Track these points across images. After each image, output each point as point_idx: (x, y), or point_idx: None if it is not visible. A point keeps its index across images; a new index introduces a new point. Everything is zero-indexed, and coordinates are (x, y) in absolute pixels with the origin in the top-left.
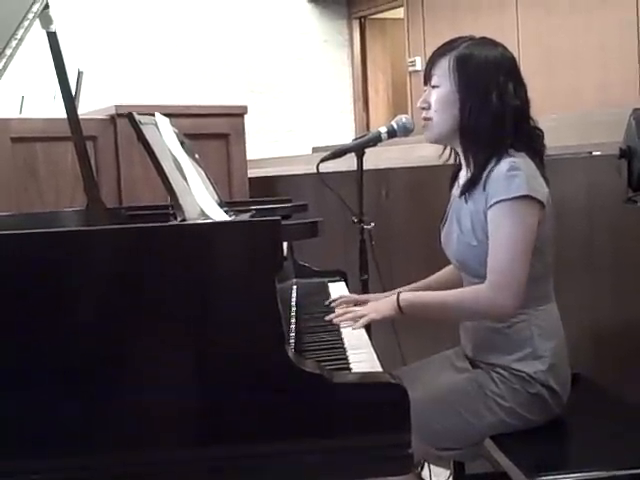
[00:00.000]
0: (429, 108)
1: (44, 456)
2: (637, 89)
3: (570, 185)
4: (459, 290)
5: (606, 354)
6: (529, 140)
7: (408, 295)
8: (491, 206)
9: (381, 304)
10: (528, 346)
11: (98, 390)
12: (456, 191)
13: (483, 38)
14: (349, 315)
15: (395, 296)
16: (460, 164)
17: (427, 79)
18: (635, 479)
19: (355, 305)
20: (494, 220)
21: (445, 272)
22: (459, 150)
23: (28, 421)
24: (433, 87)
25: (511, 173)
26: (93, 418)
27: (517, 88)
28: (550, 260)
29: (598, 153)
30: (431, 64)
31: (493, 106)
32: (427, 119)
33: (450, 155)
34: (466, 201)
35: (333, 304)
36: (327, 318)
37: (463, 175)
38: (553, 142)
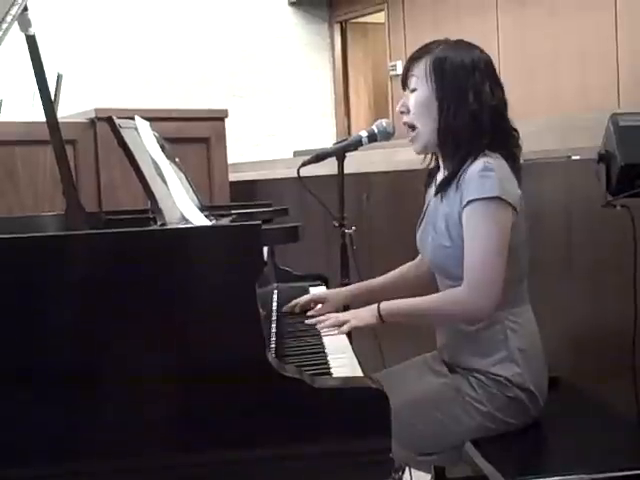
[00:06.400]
0: (408, 112)
1: (27, 463)
2: (616, 93)
3: (549, 189)
4: (437, 294)
5: (585, 357)
6: (506, 140)
7: (388, 304)
8: (465, 206)
9: (362, 312)
10: (503, 349)
11: (77, 395)
12: (432, 192)
13: (459, 41)
14: (330, 322)
15: (375, 305)
16: (438, 165)
17: (405, 84)
18: None
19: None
20: (468, 221)
21: (397, 272)
22: (438, 152)
23: (4, 428)
24: (412, 91)
25: (483, 173)
26: (72, 424)
27: (494, 88)
28: (524, 263)
29: (577, 157)
30: (407, 68)
31: (470, 106)
32: (407, 124)
33: (432, 159)
34: (441, 200)
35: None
36: (308, 322)
37: (440, 176)
38: (533, 146)
